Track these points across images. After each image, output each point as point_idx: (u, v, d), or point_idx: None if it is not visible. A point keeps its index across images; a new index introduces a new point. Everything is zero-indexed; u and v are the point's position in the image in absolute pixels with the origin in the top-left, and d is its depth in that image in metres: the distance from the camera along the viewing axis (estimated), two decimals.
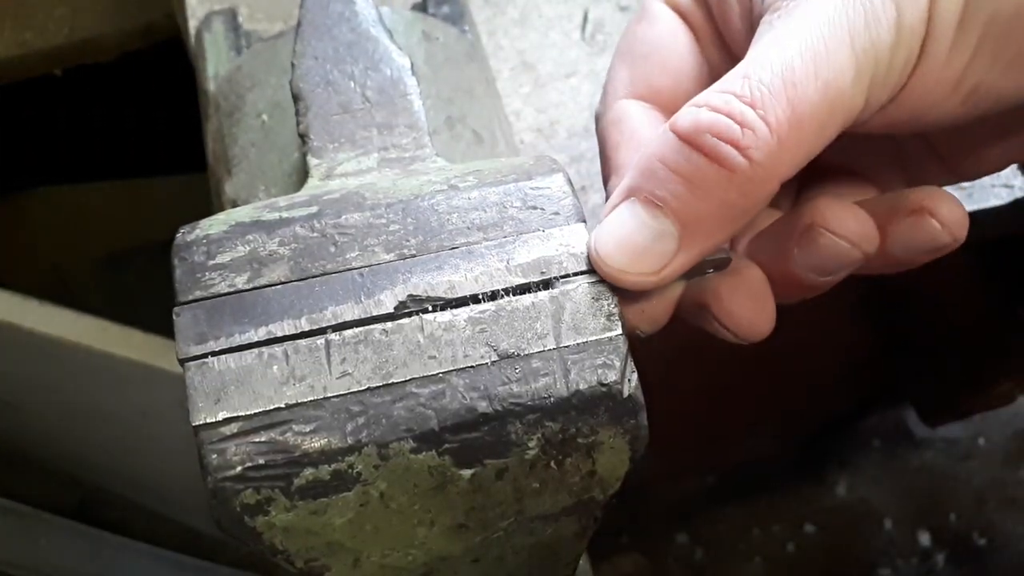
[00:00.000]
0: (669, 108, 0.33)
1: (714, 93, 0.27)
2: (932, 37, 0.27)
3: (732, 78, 0.27)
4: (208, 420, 0.25)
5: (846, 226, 0.29)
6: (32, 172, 1.00)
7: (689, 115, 0.27)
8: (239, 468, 0.25)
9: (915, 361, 1.03)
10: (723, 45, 0.33)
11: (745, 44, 0.29)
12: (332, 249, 0.28)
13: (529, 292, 0.27)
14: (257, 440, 0.25)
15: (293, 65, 0.34)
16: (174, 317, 0.27)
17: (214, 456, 0.25)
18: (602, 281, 0.28)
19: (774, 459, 1.16)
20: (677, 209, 0.27)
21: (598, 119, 0.34)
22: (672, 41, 0.34)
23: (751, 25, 0.30)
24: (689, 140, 0.26)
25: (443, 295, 0.27)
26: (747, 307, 0.31)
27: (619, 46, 0.35)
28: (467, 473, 0.26)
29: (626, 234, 0.27)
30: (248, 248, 0.28)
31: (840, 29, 0.26)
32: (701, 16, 0.33)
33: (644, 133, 0.32)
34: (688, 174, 0.26)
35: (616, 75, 0.34)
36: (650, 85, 0.33)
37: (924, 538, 1.14)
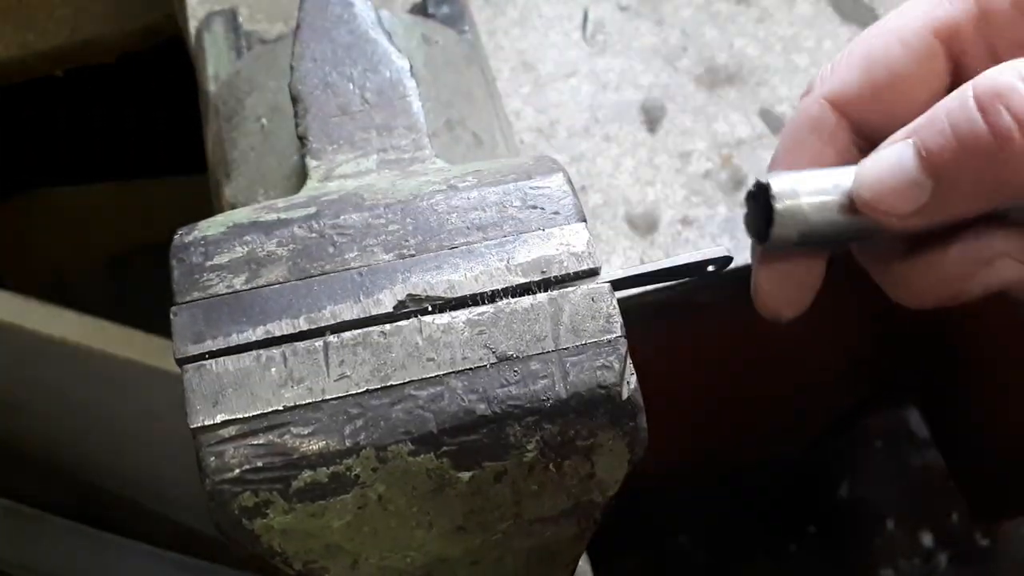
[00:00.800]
0: (876, 137, 0.30)
1: None
2: None
3: None
4: (206, 423, 0.25)
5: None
6: (33, 173, 1.00)
7: (990, 78, 0.26)
8: (237, 471, 0.25)
9: (915, 361, 1.03)
10: None
11: None
12: (331, 249, 0.28)
13: (528, 293, 0.27)
14: (255, 442, 0.25)
15: (292, 67, 0.34)
16: (171, 317, 0.27)
17: (212, 459, 0.25)
18: (602, 282, 0.28)
19: (776, 459, 1.15)
20: (939, 165, 0.27)
21: (804, 95, 0.32)
22: (926, 75, 0.31)
23: None
24: (980, 102, 0.26)
25: (443, 294, 0.27)
26: (781, 290, 0.31)
27: (869, 46, 0.32)
28: (466, 475, 0.26)
29: (886, 168, 0.28)
30: (246, 249, 0.28)
31: None
32: (978, 56, 0.30)
33: (817, 150, 0.31)
34: (963, 135, 0.26)
35: (848, 71, 0.32)
36: (880, 109, 0.31)
37: (926, 538, 1.13)
